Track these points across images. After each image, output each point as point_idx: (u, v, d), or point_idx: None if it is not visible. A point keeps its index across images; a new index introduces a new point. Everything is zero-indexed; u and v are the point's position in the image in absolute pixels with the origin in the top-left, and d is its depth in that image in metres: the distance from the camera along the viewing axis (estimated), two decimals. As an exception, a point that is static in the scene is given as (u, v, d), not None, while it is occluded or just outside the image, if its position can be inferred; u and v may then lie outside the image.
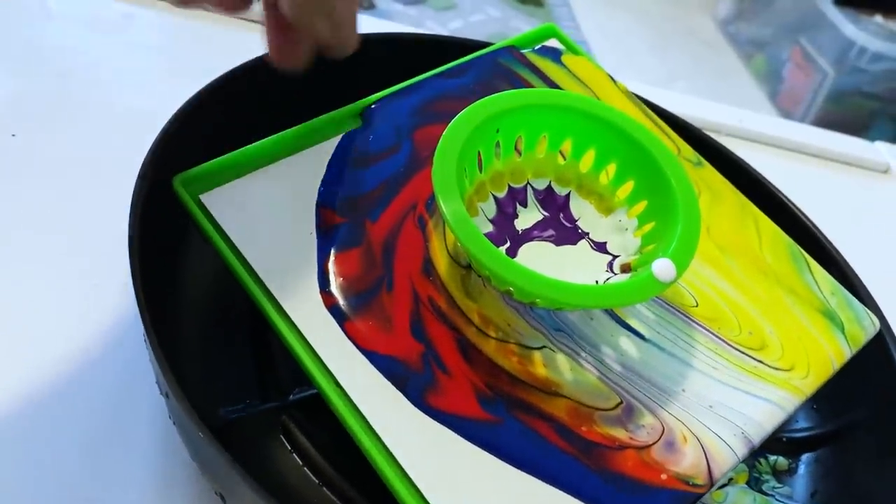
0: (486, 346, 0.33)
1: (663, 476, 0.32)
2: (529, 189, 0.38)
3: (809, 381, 0.37)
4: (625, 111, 0.39)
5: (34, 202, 0.43)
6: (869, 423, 0.41)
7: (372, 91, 0.38)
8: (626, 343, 0.36)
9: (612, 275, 0.38)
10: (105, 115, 0.45)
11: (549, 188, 0.39)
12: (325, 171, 0.35)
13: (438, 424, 0.31)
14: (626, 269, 0.37)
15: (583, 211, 0.39)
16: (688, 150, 0.42)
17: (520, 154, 0.38)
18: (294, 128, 0.36)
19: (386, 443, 0.30)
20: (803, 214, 0.45)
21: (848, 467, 0.40)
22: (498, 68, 0.41)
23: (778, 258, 0.41)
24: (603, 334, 0.35)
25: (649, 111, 0.43)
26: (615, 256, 0.38)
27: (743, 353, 0.37)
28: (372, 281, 0.32)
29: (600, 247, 0.38)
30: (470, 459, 0.30)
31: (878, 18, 1.63)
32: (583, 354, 0.34)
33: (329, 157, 0.35)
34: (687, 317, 0.38)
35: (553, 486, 0.31)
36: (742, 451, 0.34)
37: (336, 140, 0.36)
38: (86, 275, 0.40)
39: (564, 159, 0.39)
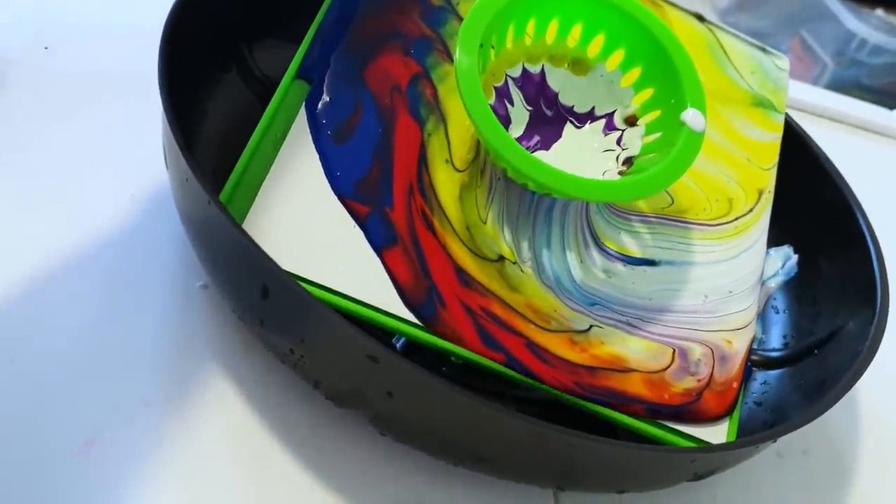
0: (550, 344, 0.33)
1: (735, 385, 0.35)
2: (509, 81, 0.38)
3: (769, 180, 0.40)
4: None
5: (66, 112, 0.43)
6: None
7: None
8: (647, 279, 0.36)
9: (618, 132, 0.37)
10: (135, 33, 0.45)
11: (524, 69, 0.38)
12: (318, 155, 0.33)
13: None
14: (631, 120, 0.37)
15: (561, 80, 0.38)
16: None
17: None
18: (261, 120, 0.34)
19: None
20: (840, 177, 0.45)
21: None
22: None
23: (702, 66, 0.41)
24: (626, 286, 0.36)
25: None
26: (611, 114, 0.38)
27: (721, 224, 0.39)
28: (424, 292, 0.32)
29: (589, 116, 0.38)
30: None
31: (879, 12, 1.64)
32: (623, 319, 0.35)
33: (310, 137, 0.34)
34: (670, 219, 0.38)
35: None
36: (755, 297, 0.37)
37: (304, 113, 0.34)
38: (121, 179, 0.41)
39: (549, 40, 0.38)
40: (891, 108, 1.75)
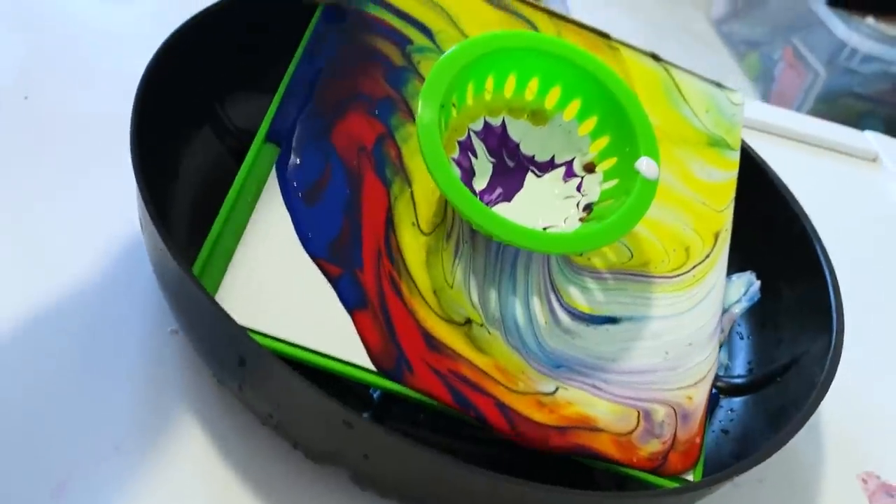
0: (520, 405, 0.34)
1: (697, 440, 0.35)
2: (472, 134, 0.39)
3: (724, 221, 0.41)
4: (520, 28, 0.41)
5: (47, 161, 0.44)
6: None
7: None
8: (609, 337, 0.37)
9: (578, 179, 0.39)
10: (113, 79, 0.46)
11: (485, 122, 0.40)
12: (290, 216, 0.35)
13: None
14: (590, 167, 0.38)
15: (521, 131, 0.40)
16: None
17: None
18: (233, 185, 0.35)
19: None
20: (792, 198, 0.46)
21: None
22: (352, 16, 0.40)
23: (658, 107, 0.43)
24: (590, 347, 0.36)
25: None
26: (570, 162, 0.39)
27: (679, 275, 0.39)
28: (393, 360, 0.33)
29: (550, 165, 0.40)
30: None
31: (870, 20, 1.64)
32: (588, 381, 0.35)
33: (281, 199, 0.35)
34: (630, 274, 0.39)
35: None
36: (714, 343, 0.38)
37: (274, 176, 0.35)
38: (95, 226, 0.42)
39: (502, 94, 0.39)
40: (886, 116, 1.75)
